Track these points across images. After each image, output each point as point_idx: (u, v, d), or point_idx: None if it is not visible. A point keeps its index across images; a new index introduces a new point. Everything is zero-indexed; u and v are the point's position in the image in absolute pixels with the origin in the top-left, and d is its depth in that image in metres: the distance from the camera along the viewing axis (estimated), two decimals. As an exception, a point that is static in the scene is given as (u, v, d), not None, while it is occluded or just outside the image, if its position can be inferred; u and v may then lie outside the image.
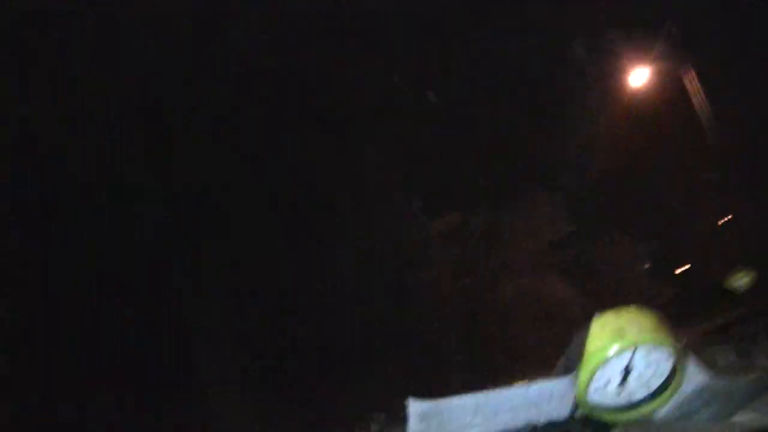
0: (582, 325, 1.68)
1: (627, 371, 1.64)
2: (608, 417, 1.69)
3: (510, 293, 14.24)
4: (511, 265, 14.45)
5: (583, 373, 1.61)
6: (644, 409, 1.70)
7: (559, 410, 1.67)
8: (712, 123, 13.00)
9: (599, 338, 1.64)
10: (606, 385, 1.64)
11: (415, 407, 1.59)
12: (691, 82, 13.04)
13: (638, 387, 1.68)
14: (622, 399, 1.69)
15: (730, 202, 14.68)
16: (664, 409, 1.72)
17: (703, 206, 15.42)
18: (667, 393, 1.69)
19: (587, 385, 1.62)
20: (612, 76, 14.31)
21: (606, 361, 1.60)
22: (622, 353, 1.62)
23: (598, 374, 1.62)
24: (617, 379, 1.64)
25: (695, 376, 1.73)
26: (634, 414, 1.69)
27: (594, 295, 13.53)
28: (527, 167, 14.51)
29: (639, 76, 13.97)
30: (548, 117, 14.60)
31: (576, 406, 1.66)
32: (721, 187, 14.53)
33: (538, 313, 13.95)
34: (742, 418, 1.69)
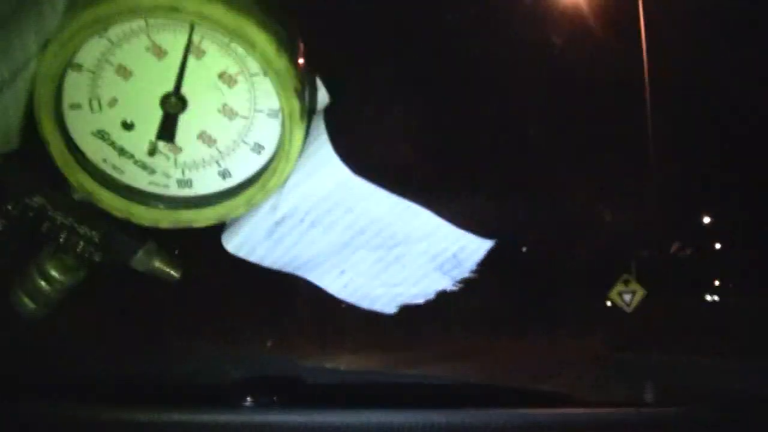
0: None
1: (177, 104, 0.70)
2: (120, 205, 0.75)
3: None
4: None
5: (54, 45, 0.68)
6: (206, 210, 0.76)
7: None
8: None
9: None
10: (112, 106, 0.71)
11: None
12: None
13: (193, 142, 0.73)
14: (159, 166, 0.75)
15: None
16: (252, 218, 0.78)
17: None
18: (266, 180, 0.74)
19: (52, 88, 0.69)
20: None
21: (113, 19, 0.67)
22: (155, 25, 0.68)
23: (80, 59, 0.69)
24: (152, 105, 0.71)
25: (328, 163, 0.76)
26: (184, 215, 0.76)
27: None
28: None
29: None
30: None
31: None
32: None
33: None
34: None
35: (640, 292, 10.33)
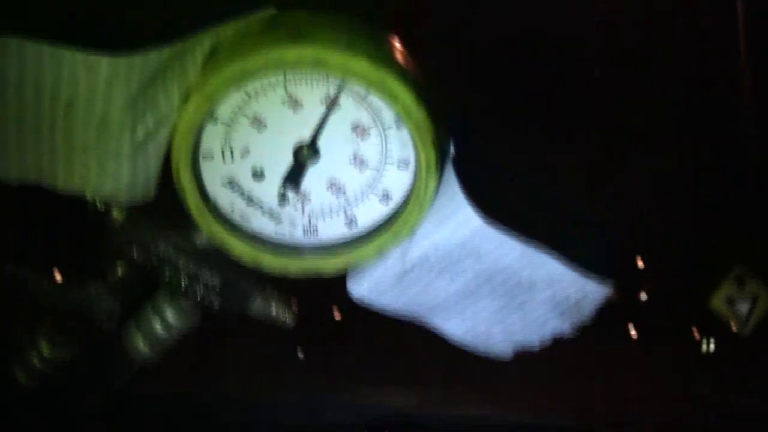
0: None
1: (310, 155, 0.73)
2: (253, 255, 0.77)
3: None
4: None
5: (192, 106, 0.70)
6: (331, 258, 0.77)
7: None
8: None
9: (259, 41, 0.70)
10: (247, 165, 0.74)
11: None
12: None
13: (324, 197, 0.75)
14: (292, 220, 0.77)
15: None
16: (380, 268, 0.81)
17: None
18: (398, 229, 0.75)
19: (186, 149, 0.71)
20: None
21: (252, 77, 0.70)
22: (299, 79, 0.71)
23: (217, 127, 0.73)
24: (284, 155, 0.73)
25: (460, 212, 0.77)
26: (309, 262, 0.77)
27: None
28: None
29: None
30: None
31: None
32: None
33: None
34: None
35: (766, 299, 6.24)
